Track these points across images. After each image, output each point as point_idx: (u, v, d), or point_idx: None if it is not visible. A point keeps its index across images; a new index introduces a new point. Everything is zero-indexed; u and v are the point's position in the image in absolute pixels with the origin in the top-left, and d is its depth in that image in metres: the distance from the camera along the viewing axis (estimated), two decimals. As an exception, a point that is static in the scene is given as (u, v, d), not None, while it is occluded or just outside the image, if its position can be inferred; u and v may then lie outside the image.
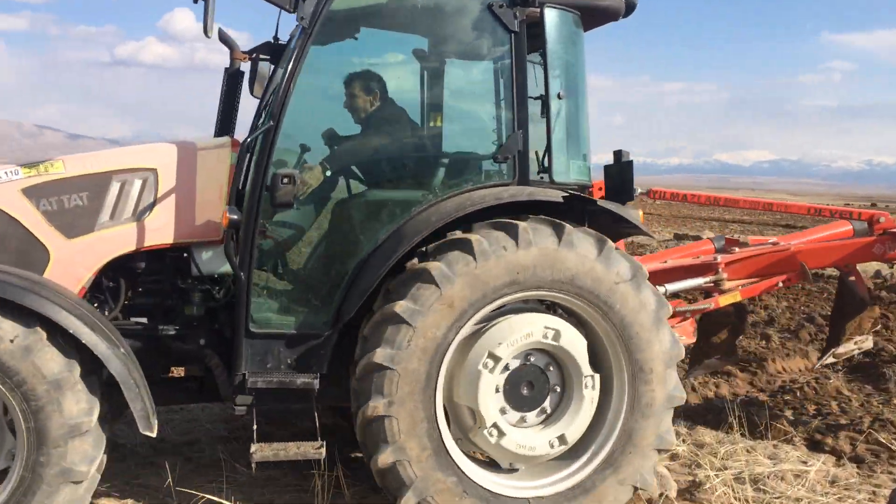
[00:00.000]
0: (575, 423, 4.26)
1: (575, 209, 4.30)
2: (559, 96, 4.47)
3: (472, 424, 4.22)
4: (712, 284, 5.42)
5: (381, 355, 3.92)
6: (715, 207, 39.80)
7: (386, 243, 4.20)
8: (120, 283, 4.41)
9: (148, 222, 4.31)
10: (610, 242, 4.18)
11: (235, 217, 4.10)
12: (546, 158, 4.45)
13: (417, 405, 3.99)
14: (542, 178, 4.47)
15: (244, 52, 4.88)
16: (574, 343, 4.25)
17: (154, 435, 3.87)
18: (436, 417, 4.06)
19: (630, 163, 4.82)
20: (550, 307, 4.39)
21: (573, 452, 4.36)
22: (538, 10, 4.34)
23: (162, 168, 4.34)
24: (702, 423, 6.22)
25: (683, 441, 5.74)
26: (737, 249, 5.85)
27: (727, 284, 5.43)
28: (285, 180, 4.10)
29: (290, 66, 4.17)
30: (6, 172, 4.24)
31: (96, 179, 4.29)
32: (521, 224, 4.04)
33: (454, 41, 4.75)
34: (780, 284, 5.59)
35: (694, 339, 5.44)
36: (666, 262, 5.66)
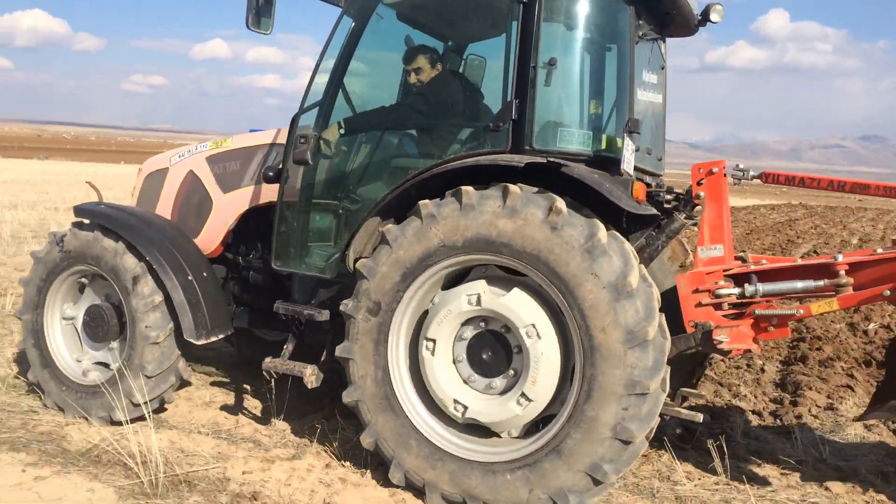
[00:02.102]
0: (530, 378, 4.08)
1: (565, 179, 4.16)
2: (551, 63, 4.38)
3: None
4: (833, 291, 4.31)
5: (345, 305, 4.45)
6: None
7: (378, 205, 4.58)
8: (252, 228, 5.58)
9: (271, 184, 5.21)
10: (554, 202, 3.96)
11: (271, 174, 5.04)
12: (526, 125, 4.36)
13: (370, 353, 4.38)
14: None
15: None
16: (498, 300, 4.17)
17: (198, 343, 5.05)
18: (387, 365, 4.37)
19: (623, 134, 4.56)
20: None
21: (534, 428, 4.31)
22: None
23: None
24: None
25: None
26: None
27: (849, 291, 4.28)
28: (302, 140, 4.82)
29: (324, 50, 4.89)
30: (199, 146, 5.93)
31: (249, 151, 5.61)
32: (422, 205, 4.22)
33: (474, 20, 5.20)
34: (888, 293, 4.20)
35: (753, 346, 4.43)
36: (797, 261, 4.59)
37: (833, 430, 5.99)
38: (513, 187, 4.06)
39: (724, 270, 4.50)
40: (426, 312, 4.45)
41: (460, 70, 5.44)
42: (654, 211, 4.37)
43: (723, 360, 7.85)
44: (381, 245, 4.37)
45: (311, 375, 4.73)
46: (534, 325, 4.10)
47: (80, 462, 4.54)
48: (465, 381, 4.37)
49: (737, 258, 4.68)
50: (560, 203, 3.97)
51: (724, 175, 4.56)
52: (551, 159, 4.16)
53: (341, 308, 4.46)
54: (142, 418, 4.92)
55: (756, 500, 4.62)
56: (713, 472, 5.04)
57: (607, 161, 4.49)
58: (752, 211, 37.66)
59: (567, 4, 4.59)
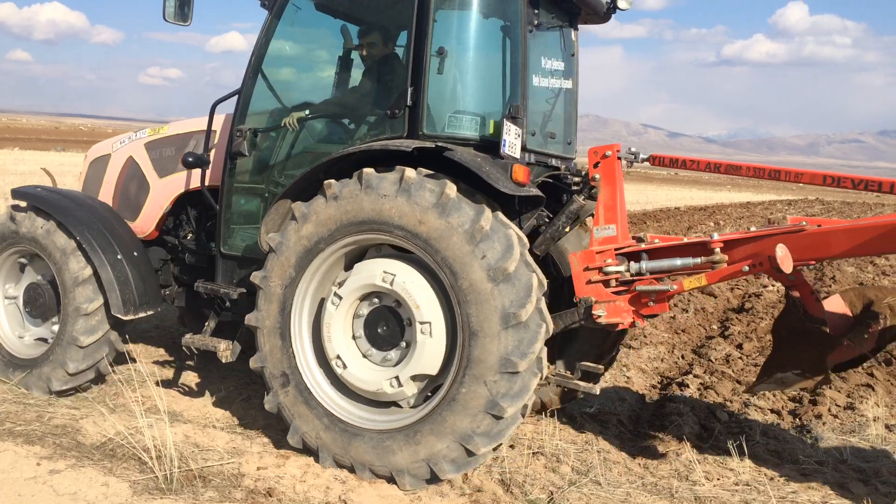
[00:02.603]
0: (412, 306, 4.29)
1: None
2: (440, 52, 4.54)
3: None
4: (710, 267, 4.44)
5: (267, 402, 4.77)
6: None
7: (289, 187, 4.80)
8: (187, 211, 5.90)
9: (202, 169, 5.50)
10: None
11: (190, 160, 5.33)
12: (421, 112, 4.54)
13: (307, 413, 4.60)
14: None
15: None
16: (348, 281, 4.47)
17: (125, 319, 5.35)
18: (325, 409, 4.55)
19: (506, 117, 4.57)
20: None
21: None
22: None
23: (219, 130, 5.55)
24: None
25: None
26: None
27: (724, 267, 4.44)
28: (238, 134, 5.14)
29: (256, 42, 5.16)
30: (138, 133, 6.23)
31: (182, 138, 5.87)
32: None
33: (385, 10, 5.33)
34: (747, 269, 4.34)
35: (637, 320, 4.59)
36: (683, 240, 4.77)
37: (854, 430, 5.92)
38: (325, 190, 4.39)
39: (616, 249, 4.63)
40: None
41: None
42: (535, 192, 4.55)
43: (741, 358, 7.76)
44: (254, 302, 4.70)
45: (225, 350, 5.00)
46: (384, 271, 4.39)
47: (95, 456, 4.54)
48: (382, 364, 4.54)
49: (635, 238, 4.80)
50: (334, 181, 4.38)
51: (618, 158, 4.73)
52: (439, 144, 4.31)
53: (267, 408, 4.77)
54: (154, 411, 4.91)
55: (776, 501, 4.56)
56: (732, 472, 4.99)
57: (495, 145, 4.55)
58: (768, 206, 37.49)
59: None
